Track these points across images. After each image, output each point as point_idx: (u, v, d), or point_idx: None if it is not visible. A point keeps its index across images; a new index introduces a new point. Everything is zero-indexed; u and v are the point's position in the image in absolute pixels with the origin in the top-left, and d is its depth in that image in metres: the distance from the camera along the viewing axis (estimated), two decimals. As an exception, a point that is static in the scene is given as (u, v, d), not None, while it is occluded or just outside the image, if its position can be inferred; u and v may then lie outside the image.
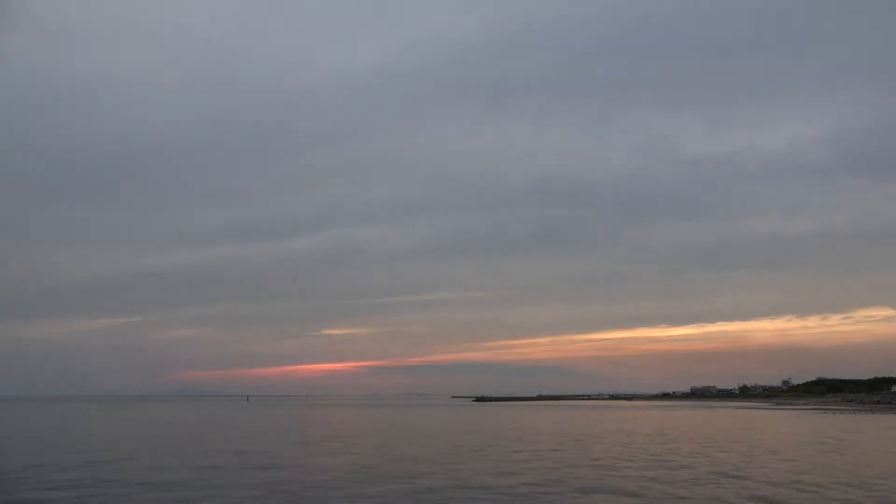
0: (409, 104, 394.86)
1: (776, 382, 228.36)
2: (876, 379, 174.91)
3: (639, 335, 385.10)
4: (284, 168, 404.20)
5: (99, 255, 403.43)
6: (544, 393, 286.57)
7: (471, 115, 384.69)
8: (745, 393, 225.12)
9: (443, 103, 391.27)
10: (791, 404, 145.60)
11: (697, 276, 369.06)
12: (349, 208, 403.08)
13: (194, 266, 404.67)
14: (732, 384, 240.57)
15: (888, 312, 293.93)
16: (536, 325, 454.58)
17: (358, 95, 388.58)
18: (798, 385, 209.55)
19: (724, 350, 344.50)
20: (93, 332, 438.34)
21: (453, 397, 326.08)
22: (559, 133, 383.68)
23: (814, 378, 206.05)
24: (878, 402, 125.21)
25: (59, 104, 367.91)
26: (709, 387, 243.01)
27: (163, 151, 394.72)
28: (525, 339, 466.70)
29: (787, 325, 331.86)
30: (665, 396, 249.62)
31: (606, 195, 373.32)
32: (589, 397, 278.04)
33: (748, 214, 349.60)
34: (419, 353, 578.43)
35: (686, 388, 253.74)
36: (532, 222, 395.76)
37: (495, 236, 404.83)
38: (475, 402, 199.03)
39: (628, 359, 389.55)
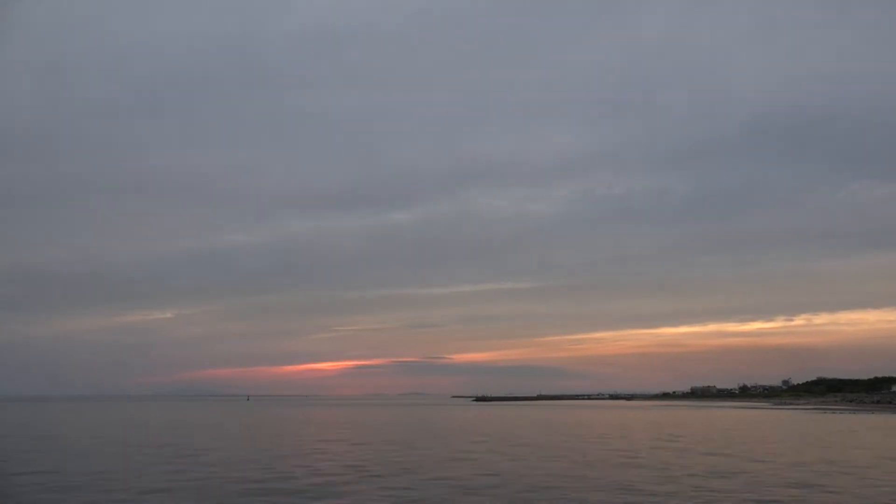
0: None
1: (776, 382, 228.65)
2: (876, 379, 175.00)
3: (638, 334, 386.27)
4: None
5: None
6: (544, 393, 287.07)
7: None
8: (745, 393, 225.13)
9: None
10: (791, 404, 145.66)
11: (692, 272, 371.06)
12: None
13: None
14: (732, 384, 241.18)
15: (889, 312, 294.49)
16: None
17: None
18: (798, 385, 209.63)
19: (725, 350, 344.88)
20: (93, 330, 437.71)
21: (453, 397, 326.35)
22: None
23: (814, 378, 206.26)
24: (878, 402, 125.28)
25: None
26: (709, 386, 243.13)
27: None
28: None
29: (787, 325, 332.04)
30: (665, 396, 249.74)
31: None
32: (589, 397, 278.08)
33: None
34: (420, 352, 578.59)
35: (686, 388, 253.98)
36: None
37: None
38: (475, 402, 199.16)
39: (628, 359, 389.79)
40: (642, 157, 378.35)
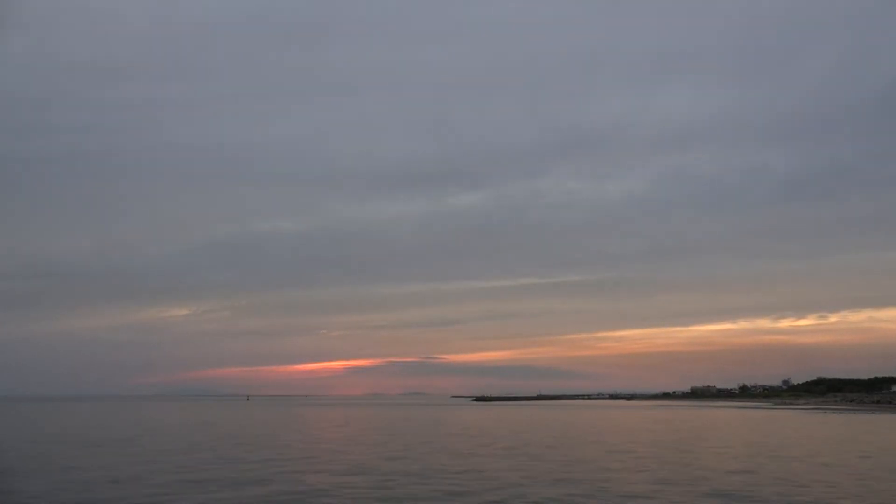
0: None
1: (776, 382, 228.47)
2: (876, 379, 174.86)
3: (638, 334, 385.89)
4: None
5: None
6: (544, 392, 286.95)
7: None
8: (745, 393, 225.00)
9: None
10: (791, 404, 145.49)
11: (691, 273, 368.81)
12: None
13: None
14: (732, 384, 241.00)
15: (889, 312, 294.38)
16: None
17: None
18: (798, 385, 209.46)
19: (725, 349, 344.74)
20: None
21: (453, 397, 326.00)
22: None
23: (814, 378, 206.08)
24: (877, 402, 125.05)
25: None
26: (709, 386, 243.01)
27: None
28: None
29: (787, 324, 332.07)
30: (665, 396, 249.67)
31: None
32: (588, 397, 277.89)
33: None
34: (417, 352, 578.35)
35: (686, 388, 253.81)
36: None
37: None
38: (475, 402, 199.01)
39: (628, 358, 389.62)
40: (760, 125, 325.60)
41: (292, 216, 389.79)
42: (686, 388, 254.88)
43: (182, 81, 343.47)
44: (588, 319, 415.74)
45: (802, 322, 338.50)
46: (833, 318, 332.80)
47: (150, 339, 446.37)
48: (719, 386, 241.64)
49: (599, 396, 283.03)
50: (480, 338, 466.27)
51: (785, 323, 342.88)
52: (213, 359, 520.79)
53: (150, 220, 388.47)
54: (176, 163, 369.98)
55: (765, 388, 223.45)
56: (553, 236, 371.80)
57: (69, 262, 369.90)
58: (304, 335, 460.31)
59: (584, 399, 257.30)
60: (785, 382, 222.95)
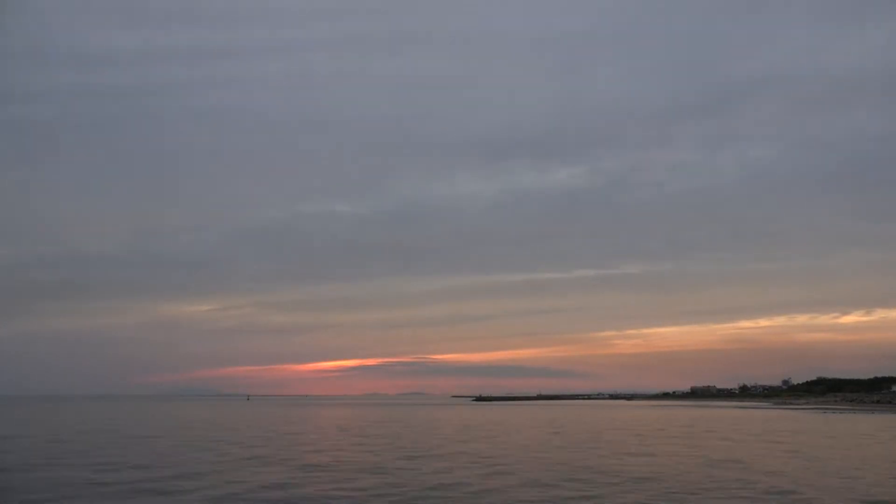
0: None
1: (776, 382, 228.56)
2: (876, 378, 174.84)
3: (639, 334, 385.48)
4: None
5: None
6: (543, 392, 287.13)
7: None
8: (745, 392, 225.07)
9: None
10: (791, 404, 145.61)
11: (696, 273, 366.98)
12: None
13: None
14: (732, 384, 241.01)
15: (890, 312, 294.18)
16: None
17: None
18: (798, 385, 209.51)
19: (724, 349, 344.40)
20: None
21: (453, 396, 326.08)
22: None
23: (814, 378, 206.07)
24: (877, 402, 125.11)
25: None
26: (709, 386, 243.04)
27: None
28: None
29: (788, 324, 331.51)
30: (665, 396, 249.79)
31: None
32: (588, 397, 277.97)
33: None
34: (417, 351, 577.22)
35: (686, 388, 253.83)
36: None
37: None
38: (476, 402, 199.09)
39: (627, 358, 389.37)
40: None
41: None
42: (686, 387, 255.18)
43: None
44: (587, 319, 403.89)
45: (803, 321, 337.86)
46: (833, 318, 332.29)
47: (161, 336, 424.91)
48: (719, 386, 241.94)
49: (599, 396, 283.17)
50: (476, 338, 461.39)
51: (786, 322, 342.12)
52: (220, 358, 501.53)
53: (189, 202, 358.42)
54: (217, 134, 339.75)
55: (765, 388, 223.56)
56: (624, 223, 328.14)
57: (103, 251, 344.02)
58: (319, 332, 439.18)
59: (584, 399, 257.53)
60: (785, 382, 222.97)
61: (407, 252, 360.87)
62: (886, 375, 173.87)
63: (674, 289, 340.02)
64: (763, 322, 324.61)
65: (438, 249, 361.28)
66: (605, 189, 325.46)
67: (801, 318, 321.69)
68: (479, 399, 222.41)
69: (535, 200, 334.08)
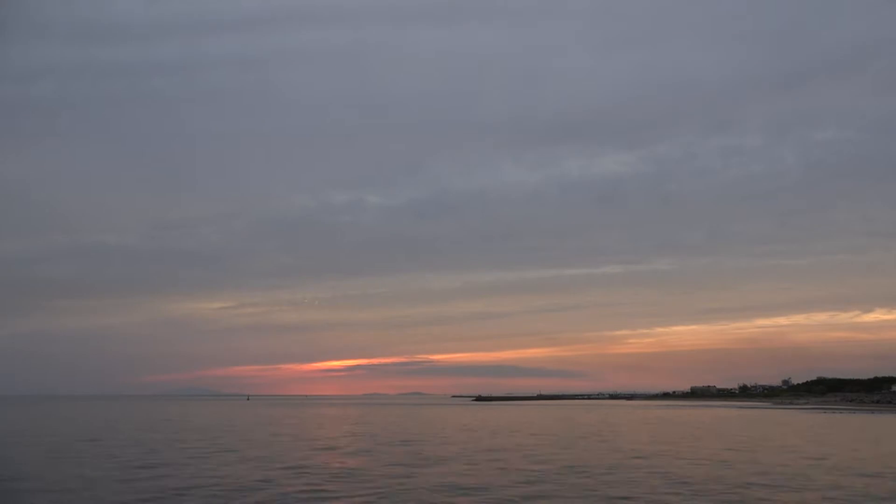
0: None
1: (776, 382, 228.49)
2: (876, 378, 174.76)
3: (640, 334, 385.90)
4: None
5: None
6: (544, 392, 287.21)
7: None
8: (745, 393, 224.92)
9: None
10: (791, 404, 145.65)
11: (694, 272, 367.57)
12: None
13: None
14: (732, 383, 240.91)
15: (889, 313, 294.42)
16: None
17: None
18: (798, 385, 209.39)
19: (724, 349, 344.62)
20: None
21: (454, 396, 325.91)
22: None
23: (814, 378, 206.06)
24: (877, 402, 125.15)
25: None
26: (709, 386, 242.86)
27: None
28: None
29: (788, 323, 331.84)
30: (665, 396, 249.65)
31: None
32: (589, 397, 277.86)
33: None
34: (415, 350, 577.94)
35: (686, 388, 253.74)
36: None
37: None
38: (476, 402, 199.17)
39: (628, 358, 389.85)
40: None
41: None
42: (686, 387, 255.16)
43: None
44: (603, 317, 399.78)
45: (803, 321, 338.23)
46: (834, 318, 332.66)
47: (170, 334, 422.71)
48: (719, 386, 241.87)
49: (599, 396, 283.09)
50: (482, 338, 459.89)
51: (786, 321, 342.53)
52: (223, 358, 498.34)
53: (212, 191, 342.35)
54: (244, 118, 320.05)
55: (765, 388, 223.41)
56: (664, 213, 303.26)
57: (121, 245, 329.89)
58: (329, 331, 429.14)
59: (584, 399, 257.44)
60: (785, 382, 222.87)
61: (430, 247, 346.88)
62: (886, 375, 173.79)
63: (702, 285, 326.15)
64: (782, 320, 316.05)
65: (461, 242, 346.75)
66: (653, 177, 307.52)
67: (821, 316, 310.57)
68: (479, 399, 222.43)
69: (579, 190, 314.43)
